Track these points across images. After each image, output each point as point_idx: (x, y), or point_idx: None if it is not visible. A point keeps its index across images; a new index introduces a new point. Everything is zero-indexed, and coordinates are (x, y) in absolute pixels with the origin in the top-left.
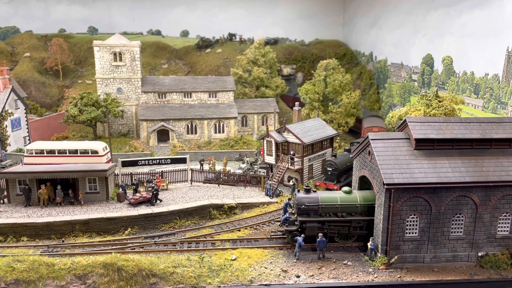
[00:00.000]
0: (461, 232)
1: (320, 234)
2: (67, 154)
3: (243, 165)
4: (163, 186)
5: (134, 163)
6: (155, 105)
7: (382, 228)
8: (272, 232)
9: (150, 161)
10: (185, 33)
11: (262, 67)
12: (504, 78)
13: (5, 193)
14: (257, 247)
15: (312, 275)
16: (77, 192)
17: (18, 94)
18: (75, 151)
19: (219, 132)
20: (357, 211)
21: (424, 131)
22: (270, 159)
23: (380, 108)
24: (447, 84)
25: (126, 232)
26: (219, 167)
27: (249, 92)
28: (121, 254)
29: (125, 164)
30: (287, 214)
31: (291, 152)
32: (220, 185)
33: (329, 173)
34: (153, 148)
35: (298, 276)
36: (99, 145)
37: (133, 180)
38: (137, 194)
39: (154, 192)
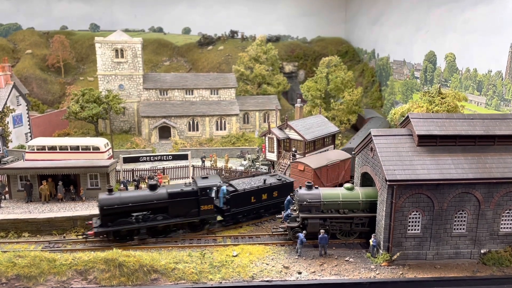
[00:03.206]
0: (463, 229)
1: (322, 231)
2: (69, 151)
3: (244, 162)
4: (164, 182)
5: (135, 160)
6: (156, 102)
7: (384, 224)
8: (273, 228)
9: (151, 157)
10: (186, 30)
11: (264, 64)
12: (507, 75)
13: (7, 189)
14: (259, 244)
15: (314, 272)
16: (78, 188)
17: (20, 90)
18: (77, 148)
19: (221, 129)
20: (359, 207)
21: (427, 128)
22: (272, 156)
23: (382, 106)
24: (450, 81)
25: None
26: (220, 164)
27: (250, 89)
28: (123, 249)
29: (126, 160)
30: (288, 211)
31: (293, 149)
32: None
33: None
34: (154, 145)
35: (299, 273)
36: (100, 142)
37: (135, 176)
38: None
39: None
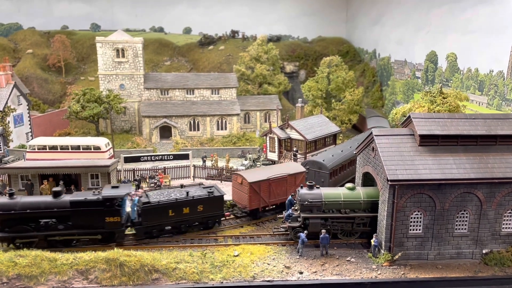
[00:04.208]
0: (465, 229)
1: (323, 231)
2: (70, 150)
3: (245, 162)
4: (165, 182)
5: (136, 159)
6: (157, 101)
7: (386, 224)
8: (274, 228)
9: (152, 157)
10: (187, 30)
11: (264, 64)
12: (509, 75)
13: (8, 188)
14: (260, 243)
15: (315, 272)
16: (79, 187)
17: (21, 90)
18: (78, 147)
19: (222, 129)
20: (361, 207)
21: (429, 127)
22: (273, 156)
23: (383, 106)
24: (451, 81)
25: (128, 227)
26: (221, 163)
27: (251, 89)
28: (124, 249)
29: (127, 160)
30: (290, 210)
31: (294, 149)
32: (222, 182)
33: None
34: (155, 144)
35: (301, 273)
36: (101, 141)
37: (136, 176)
38: (140, 190)
39: (157, 188)
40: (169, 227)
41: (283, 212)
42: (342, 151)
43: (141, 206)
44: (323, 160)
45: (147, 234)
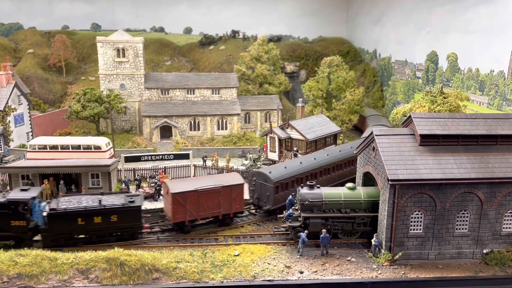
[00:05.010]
0: (466, 229)
1: (323, 230)
2: (70, 150)
3: (246, 162)
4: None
5: (137, 159)
6: (158, 101)
7: (386, 224)
8: (275, 228)
9: (153, 157)
10: (188, 30)
11: (265, 64)
12: (509, 75)
13: (8, 188)
14: (260, 243)
15: (316, 271)
16: (80, 187)
17: (21, 89)
18: (78, 147)
19: (222, 128)
20: (361, 207)
21: (429, 127)
22: (273, 156)
23: (384, 106)
24: (452, 81)
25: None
26: (222, 163)
27: (252, 89)
28: (124, 249)
29: (128, 159)
30: (290, 210)
31: (295, 149)
32: None
33: None
34: (156, 144)
35: (301, 272)
36: (102, 141)
37: (136, 176)
38: (140, 190)
39: (157, 188)
40: (81, 236)
41: (284, 211)
42: (301, 162)
43: (47, 213)
44: (270, 172)
45: (54, 242)
